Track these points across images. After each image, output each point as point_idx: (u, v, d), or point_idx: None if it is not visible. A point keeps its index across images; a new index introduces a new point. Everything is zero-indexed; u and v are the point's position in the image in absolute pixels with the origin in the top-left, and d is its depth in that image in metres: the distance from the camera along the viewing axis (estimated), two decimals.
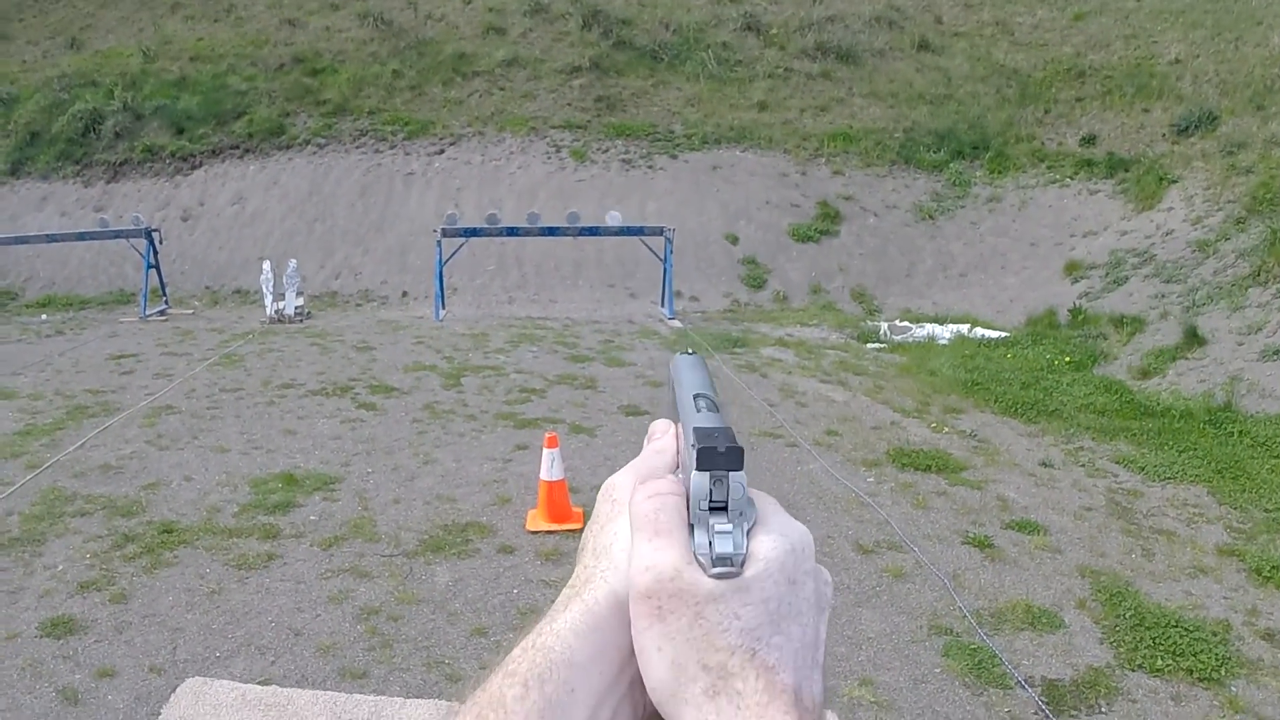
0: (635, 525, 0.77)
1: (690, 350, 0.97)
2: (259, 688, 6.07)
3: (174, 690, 6.04)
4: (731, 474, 0.75)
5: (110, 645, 6.63)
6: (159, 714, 5.85)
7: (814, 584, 0.78)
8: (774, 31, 28.00)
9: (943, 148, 23.55)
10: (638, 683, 0.76)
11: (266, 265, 19.01)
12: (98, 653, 6.54)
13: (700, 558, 0.72)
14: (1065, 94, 25.03)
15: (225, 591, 7.35)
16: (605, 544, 0.83)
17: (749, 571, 0.73)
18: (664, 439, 0.91)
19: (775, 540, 0.75)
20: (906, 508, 8.94)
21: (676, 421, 0.90)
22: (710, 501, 0.74)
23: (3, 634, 6.76)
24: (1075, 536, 8.37)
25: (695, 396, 0.87)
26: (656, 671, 0.73)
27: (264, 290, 18.85)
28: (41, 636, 6.73)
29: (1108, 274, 17.90)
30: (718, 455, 0.74)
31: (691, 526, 0.75)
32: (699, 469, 0.75)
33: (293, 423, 11.70)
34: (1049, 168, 22.57)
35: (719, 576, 0.72)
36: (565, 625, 0.80)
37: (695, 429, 0.79)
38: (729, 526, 0.73)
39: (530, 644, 0.81)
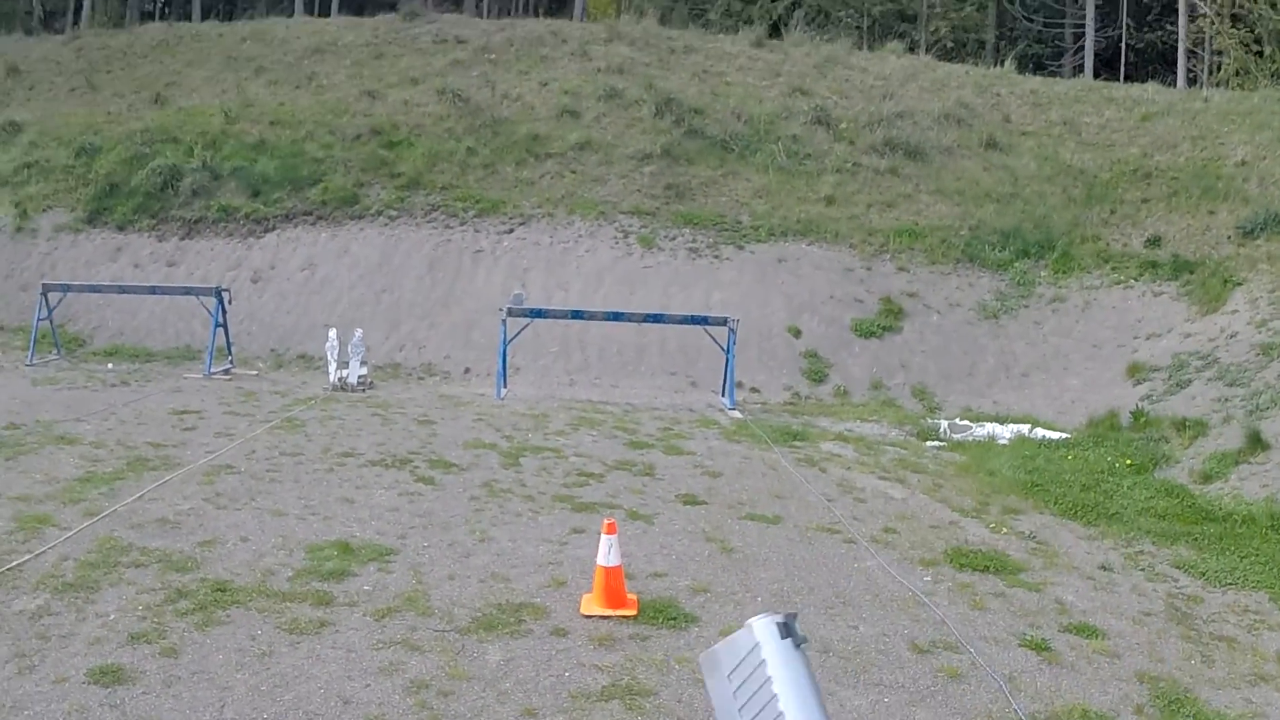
0: None
1: (792, 634, 0.92)
2: None
3: None
4: None
5: (158, 698, 6.68)
6: None
7: None
8: (843, 126, 28.19)
9: (1008, 246, 23.53)
10: None
11: (332, 333, 19.20)
12: (145, 704, 6.59)
13: None
14: (1131, 194, 25.00)
15: (276, 654, 7.40)
16: None
17: None
18: None
19: None
20: (963, 608, 8.88)
21: None
22: None
23: (51, 677, 6.84)
24: (1134, 641, 8.26)
25: None
26: None
27: (328, 357, 19.02)
28: (89, 683, 6.79)
29: (1170, 376, 17.77)
30: None
31: None
32: None
33: (351, 491, 11.78)
34: (1113, 269, 22.48)
35: None
36: None
37: None
38: None
39: None
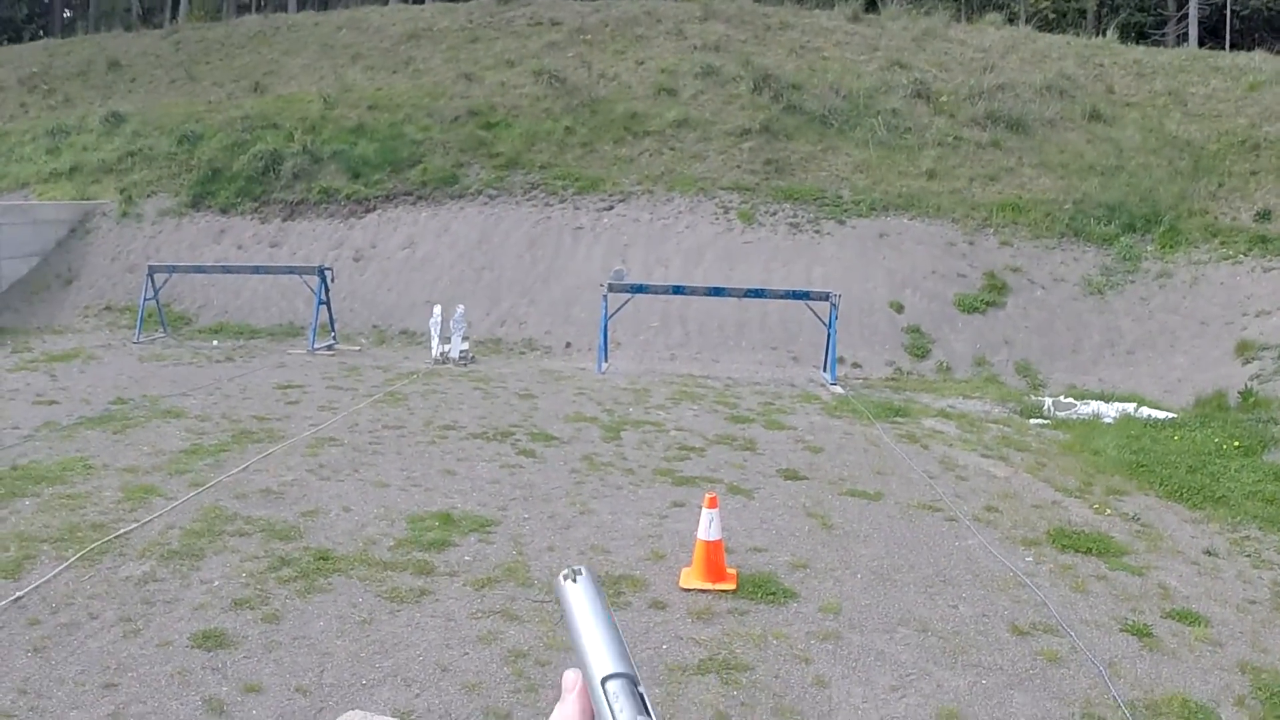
0: None
1: (576, 572, 0.94)
2: None
3: (334, 715, 6.15)
4: None
5: (259, 662, 6.82)
6: None
7: None
8: (944, 99, 27.81)
9: (1113, 220, 23.06)
10: None
11: (436, 309, 19.37)
12: (246, 668, 6.73)
13: None
14: (1239, 167, 24.33)
15: (376, 622, 7.52)
16: None
17: None
18: (572, 700, 0.92)
19: None
20: (1065, 590, 8.76)
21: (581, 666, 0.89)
22: None
23: (155, 640, 7.01)
24: (1238, 630, 8.09)
25: (604, 680, 0.85)
26: None
27: (432, 333, 19.20)
28: (193, 647, 6.96)
29: None
30: None
31: None
32: None
33: (452, 464, 11.92)
34: (1222, 243, 21.88)
35: None
36: None
37: None
38: None
39: None
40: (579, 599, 0.90)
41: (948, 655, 7.44)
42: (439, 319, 19.10)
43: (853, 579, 8.86)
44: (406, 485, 11.02)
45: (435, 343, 19.11)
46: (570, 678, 0.91)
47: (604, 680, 0.86)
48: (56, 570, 8.11)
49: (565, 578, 0.94)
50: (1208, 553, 9.98)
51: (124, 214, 26.17)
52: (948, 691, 6.91)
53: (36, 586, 7.79)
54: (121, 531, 9.03)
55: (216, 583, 8.06)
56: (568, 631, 0.87)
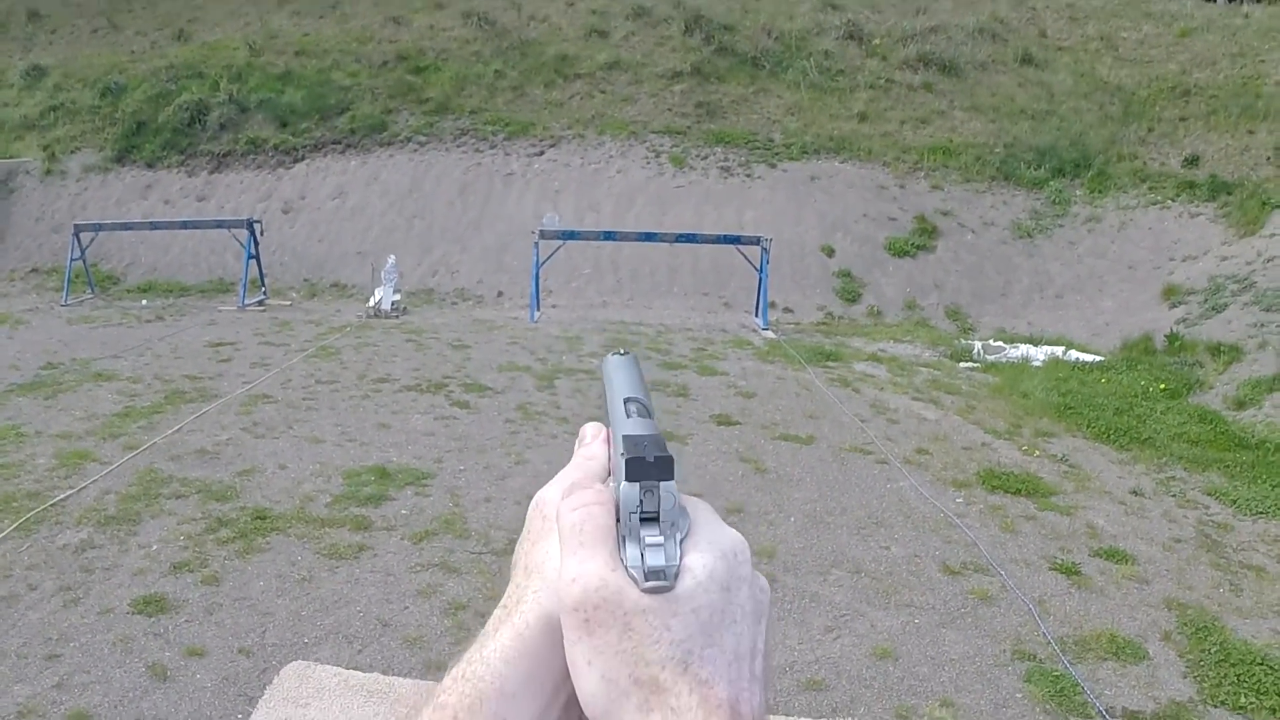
0: (562, 538, 0.76)
1: (623, 350, 0.96)
2: (361, 674, 6.24)
3: (276, 673, 6.21)
4: (663, 484, 0.74)
5: (200, 626, 6.84)
6: (259, 695, 6.03)
7: (750, 591, 0.77)
8: (876, 41, 27.87)
9: (1043, 165, 23.27)
10: (574, 703, 0.75)
11: (391, 258, 19.26)
12: (188, 632, 6.75)
13: (633, 571, 0.72)
14: (1169, 113, 24.60)
15: (316, 579, 7.56)
16: (538, 561, 0.81)
17: (681, 584, 0.72)
18: (594, 444, 0.89)
19: (708, 550, 0.75)
20: (994, 530, 8.94)
21: (609, 426, 0.88)
22: (641, 512, 0.73)
23: (96, 608, 7.01)
24: (1163, 568, 8.30)
25: (626, 401, 0.85)
26: (588, 686, 0.72)
27: (384, 281, 19.08)
28: (133, 613, 6.96)
29: (1206, 300, 17.55)
30: (648, 465, 0.74)
31: (623, 539, 0.74)
32: (628, 479, 0.74)
33: (387, 417, 11.93)
34: (1150, 188, 22.14)
35: (651, 591, 0.71)
36: (494, 653, 0.79)
37: (624, 437, 0.78)
38: (660, 538, 0.73)
39: (460, 673, 0.80)
40: (619, 367, 0.93)
41: (881, 596, 7.58)
42: (393, 267, 19.00)
43: (786, 522, 8.98)
44: (341, 440, 11.01)
45: (387, 291, 19.00)
46: (590, 428, 0.91)
47: (626, 401, 0.86)
48: None
49: (613, 354, 0.97)
50: (1134, 493, 10.20)
51: (48, 172, 25.63)
52: (881, 631, 7.05)
53: None
54: (57, 499, 8.97)
55: (155, 547, 8.04)
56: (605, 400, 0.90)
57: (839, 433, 11.74)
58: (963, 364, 16.05)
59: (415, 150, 24.73)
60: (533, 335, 17.04)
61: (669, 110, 25.34)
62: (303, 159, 25.08)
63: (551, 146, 24.40)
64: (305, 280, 21.93)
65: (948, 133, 24.64)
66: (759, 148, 23.98)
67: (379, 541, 8.28)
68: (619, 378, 0.90)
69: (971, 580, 7.88)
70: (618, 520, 0.75)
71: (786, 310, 19.71)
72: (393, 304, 18.87)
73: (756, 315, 18.82)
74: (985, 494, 9.91)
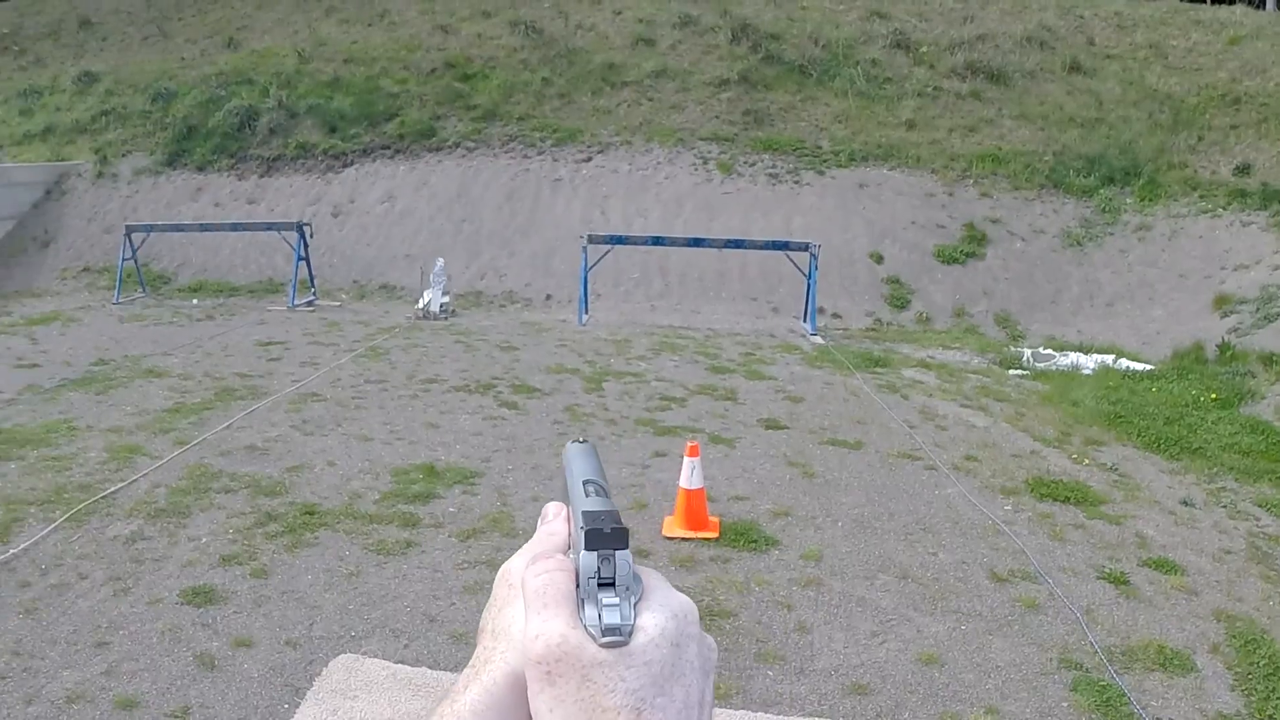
0: (527, 600, 0.82)
1: (582, 439, 1.04)
2: (409, 668, 6.27)
3: (323, 665, 6.26)
4: (618, 552, 0.80)
5: (248, 617, 6.90)
6: (306, 686, 6.07)
7: (698, 648, 0.82)
8: (924, 49, 27.73)
9: (1093, 173, 23.07)
10: None
11: (440, 261, 19.36)
12: (236, 623, 6.81)
13: (591, 629, 0.77)
14: (1219, 121, 24.31)
15: (363, 574, 7.61)
16: (504, 625, 0.86)
17: (636, 640, 0.77)
18: (556, 521, 0.95)
19: (660, 610, 0.80)
20: (1043, 538, 8.87)
21: (568, 505, 0.94)
22: (599, 578, 0.80)
23: (145, 598, 7.08)
24: (1213, 579, 8.18)
25: (585, 482, 0.92)
26: None
27: (432, 284, 19.15)
28: (182, 604, 7.04)
29: (1258, 309, 17.34)
30: (604, 535, 0.80)
31: (582, 602, 0.80)
32: (587, 549, 0.80)
33: (435, 416, 11.99)
34: (1201, 197, 21.87)
35: (608, 645, 0.76)
36: (465, 706, 0.84)
37: (584, 512, 0.84)
38: (616, 600, 0.79)
39: None
40: (579, 454, 1.00)
41: (927, 601, 7.54)
42: (441, 269, 19.08)
43: (834, 527, 8.95)
44: (390, 439, 11.08)
45: (436, 293, 19.08)
46: (552, 507, 0.97)
47: (585, 483, 0.93)
48: (44, 532, 8.14)
49: (573, 442, 1.04)
50: (1184, 503, 10.08)
51: (99, 174, 25.96)
52: (927, 637, 7.01)
53: (25, 548, 7.83)
54: (108, 491, 9.06)
55: (204, 539, 8.11)
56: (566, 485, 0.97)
57: (887, 438, 11.69)
58: (1012, 371, 15.94)
59: (463, 156, 24.81)
60: (581, 338, 17.07)
61: (716, 118, 25.32)
62: (352, 164, 25.21)
63: (599, 153, 24.41)
64: (354, 282, 22.04)
65: (996, 140, 24.48)
66: (807, 155, 23.91)
67: (426, 538, 8.32)
68: (578, 463, 0.98)
69: (1019, 588, 7.82)
70: (578, 585, 0.81)
71: (835, 316, 19.64)
72: (441, 306, 18.95)
73: (805, 321, 18.76)
74: (1034, 502, 9.83)
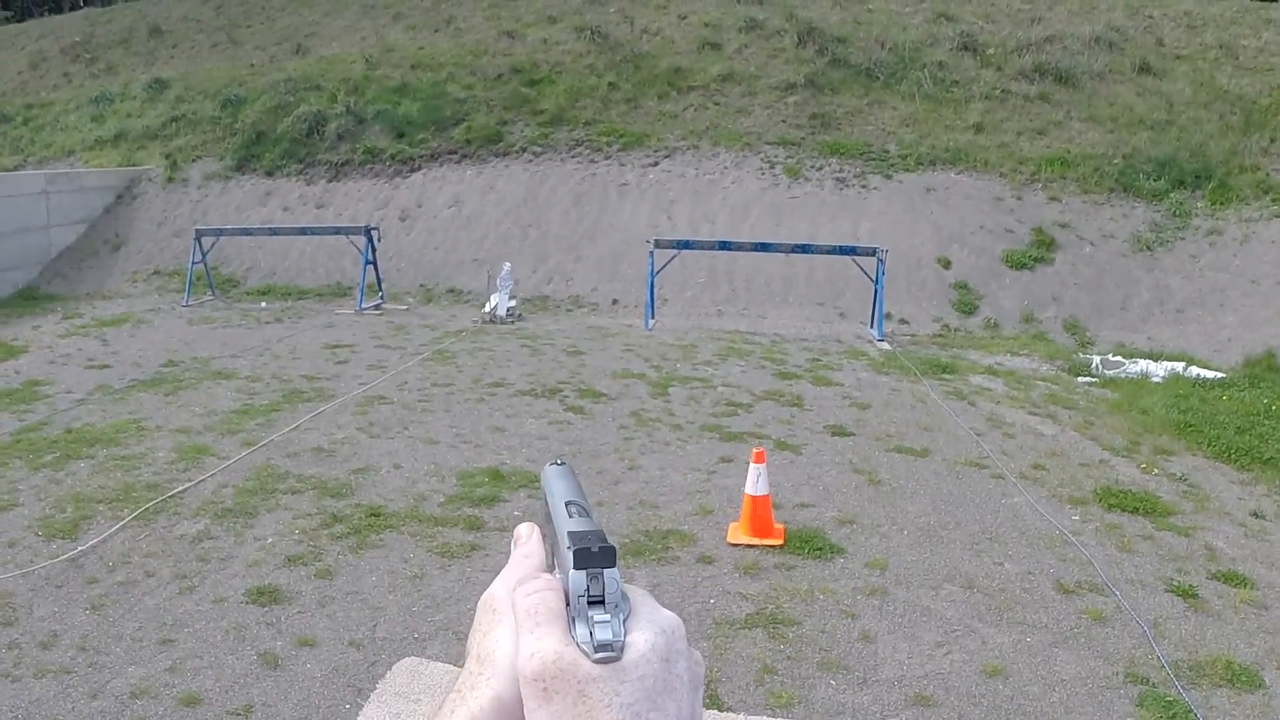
0: (518, 620, 0.83)
1: (560, 461, 1.05)
2: None
3: (386, 666, 6.30)
4: (606, 571, 0.82)
5: (312, 617, 6.95)
6: (369, 687, 6.10)
7: (686, 664, 0.83)
8: (991, 52, 27.48)
9: (1163, 176, 22.73)
10: None
11: (506, 265, 19.50)
12: (300, 623, 6.87)
13: (583, 646, 0.79)
14: None
15: (427, 577, 7.65)
16: (488, 650, 0.87)
17: (627, 656, 0.79)
18: (530, 543, 0.96)
19: (648, 627, 0.82)
20: (1111, 549, 8.76)
21: (545, 525, 0.96)
22: (589, 596, 0.81)
23: (211, 597, 7.15)
24: None
25: (567, 504, 0.93)
26: None
27: (499, 288, 19.26)
28: (247, 603, 7.11)
29: None
30: (593, 554, 0.82)
31: (573, 620, 0.81)
32: (576, 568, 0.82)
33: (501, 420, 12.04)
34: (1274, 200, 21.41)
35: (602, 661, 0.78)
36: None
37: (570, 533, 0.86)
38: (607, 617, 0.80)
39: None
40: (558, 476, 1.00)
41: (993, 612, 7.47)
42: (508, 274, 19.19)
43: (899, 535, 8.89)
44: (456, 442, 11.13)
45: (502, 298, 19.20)
46: (524, 529, 0.98)
47: (567, 504, 0.95)
48: (113, 530, 8.25)
49: (551, 464, 1.05)
50: (1255, 515, 9.91)
51: (170, 179, 26.35)
52: (992, 648, 6.94)
53: (94, 545, 7.95)
54: (175, 491, 9.17)
55: (270, 540, 8.19)
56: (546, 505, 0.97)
57: (954, 446, 11.60)
58: (1081, 379, 15.76)
59: (530, 160, 24.88)
60: (647, 343, 17.06)
61: (783, 122, 25.23)
62: (419, 169, 25.36)
63: (666, 157, 24.41)
64: (421, 286, 22.16)
65: (1065, 143, 24.22)
66: (874, 159, 23.77)
67: (491, 542, 8.35)
68: (558, 484, 0.99)
69: (1086, 600, 7.73)
70: (567, 604, 0.83)
71: (902, 321, 19.50)
72: (508, 310, 19.02)
73: (872, 326, 18.65)
74: (1102, 512, 9.72)
